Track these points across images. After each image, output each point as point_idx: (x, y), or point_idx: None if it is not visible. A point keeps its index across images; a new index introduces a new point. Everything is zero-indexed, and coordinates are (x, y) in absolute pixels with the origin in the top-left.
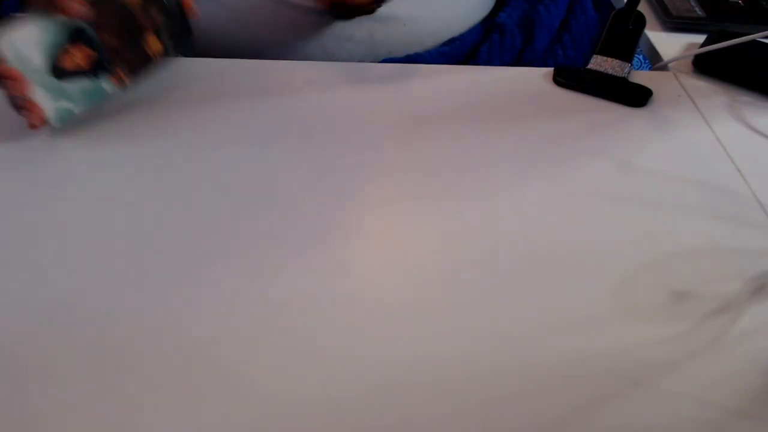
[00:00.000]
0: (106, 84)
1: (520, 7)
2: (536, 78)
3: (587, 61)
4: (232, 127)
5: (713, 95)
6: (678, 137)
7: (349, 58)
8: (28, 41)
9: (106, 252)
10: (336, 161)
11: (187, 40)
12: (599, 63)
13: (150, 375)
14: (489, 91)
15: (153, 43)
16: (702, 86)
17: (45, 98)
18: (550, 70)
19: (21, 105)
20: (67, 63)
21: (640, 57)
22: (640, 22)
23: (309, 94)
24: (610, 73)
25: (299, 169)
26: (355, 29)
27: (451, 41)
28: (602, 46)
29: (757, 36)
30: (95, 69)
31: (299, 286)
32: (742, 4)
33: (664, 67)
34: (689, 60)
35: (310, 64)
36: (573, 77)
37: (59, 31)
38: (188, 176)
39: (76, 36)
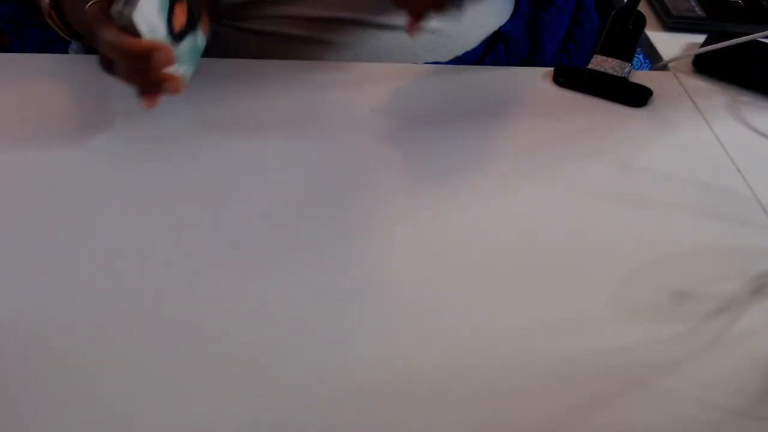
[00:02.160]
0: (199, 38)
1: (524, 15)
2: (536, 78)
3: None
4: (231, 127)
5: (713, 95)
6: (678, 137)
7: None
8: (151, 9)
9: (113, 250)
10: (335, 161)
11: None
12: (599, 63)
13: (152, 371)
14: (489, 91)
15: None
16: (702, 86)
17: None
18: (550, 70)
19: (159, 78)
20: (176, 24)
21: (640, 57)
22: (640, 22)
23: (308, 93)
24: (610, 72)
25: (297, 169)
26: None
27: (455, 59)
28: (602, 45)
29: (757, 36)
30: (192, 23)
31: (298, 285)
32: (742, 4)
33: (664, 67)
34: (689, 60)
35: (308, 64)
36: (573, 77)
37: None
38: (191, 174)
39: None
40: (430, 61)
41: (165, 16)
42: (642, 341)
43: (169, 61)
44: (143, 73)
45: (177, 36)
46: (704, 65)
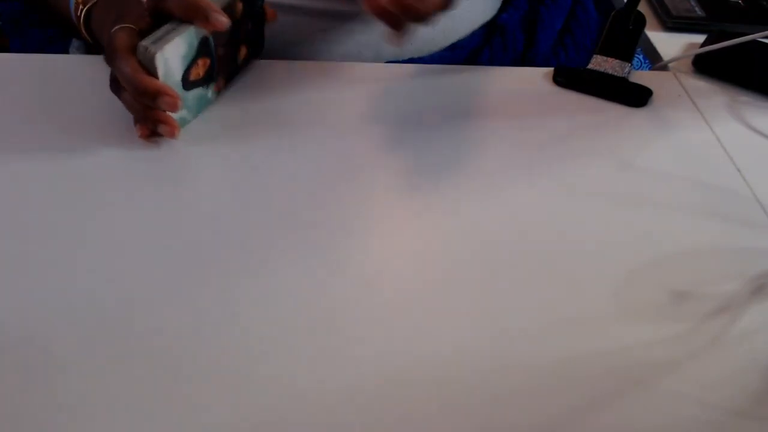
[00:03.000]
0: (210, 92)
1: (521, 7)
2: (536, 78)
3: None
4: (227, 127)
5: (713, 95)
6: (678, 137)
7: (357, 59)
8: (175, 54)
9: (112, 251)
10: (335, 161)
11: (260, 47)
12: (599, 63)
13: (152, 371)
14: (489, 91)
15: (242, 53)
16: (702, 86)
17: None
18: (550, 70)
19: (158, 119)
20: (193, 74)
21: (640, 57)
22: (640, 22)
23: (307, 93)
24: (610, 73)
25: (296, 170)
26: (363, 30)
27: (452, 47)
28: (602, 46)
29: (757, 36)
30: (208, 78)
31: (296, 286)
32: (742, 4)
33: (664, 67)
34: (689, 60)
35: (308, 63)
36: (573, 77)
37: (196, 44)
38: (189, 175)
39: (204, 48)
40: (428, 44)
41: (186, 63)
42: (642, 341)
43: (173, 108)
44: (145, 108)
45: (189, 84)
46: (704, 65)
